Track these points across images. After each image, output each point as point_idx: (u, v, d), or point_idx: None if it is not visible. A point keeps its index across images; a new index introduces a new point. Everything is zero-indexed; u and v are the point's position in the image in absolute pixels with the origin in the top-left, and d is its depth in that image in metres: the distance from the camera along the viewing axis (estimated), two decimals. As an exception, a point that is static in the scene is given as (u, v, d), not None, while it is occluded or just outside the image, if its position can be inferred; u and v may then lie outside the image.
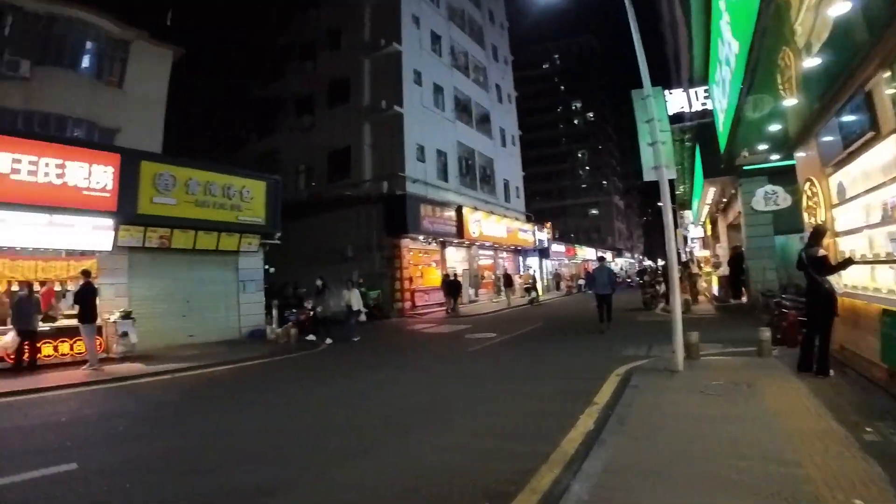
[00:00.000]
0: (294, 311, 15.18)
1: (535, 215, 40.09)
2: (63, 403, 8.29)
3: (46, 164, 11.45)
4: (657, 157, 7.87)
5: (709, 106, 14.04)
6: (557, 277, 41.26)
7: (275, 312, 15.52)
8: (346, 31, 26.49)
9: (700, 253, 29.96)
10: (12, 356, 10.51)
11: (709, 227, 26.24)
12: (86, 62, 17.92)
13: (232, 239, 15.10)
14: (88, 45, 17.90)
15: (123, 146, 15.29)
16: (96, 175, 12.26)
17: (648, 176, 8.07)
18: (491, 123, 33.35)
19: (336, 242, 23.33)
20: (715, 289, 20.60)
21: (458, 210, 25.76)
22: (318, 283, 14.92)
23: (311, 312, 15.05)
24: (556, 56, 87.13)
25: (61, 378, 10.01)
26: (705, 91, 14.52)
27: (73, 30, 17.44)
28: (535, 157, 61.92)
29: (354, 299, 14.56)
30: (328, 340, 14.01)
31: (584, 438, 4.99)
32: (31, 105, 16.31)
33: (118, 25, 18.38)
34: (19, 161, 11.08)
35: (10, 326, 10.55)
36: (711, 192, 18.38)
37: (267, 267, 17.54)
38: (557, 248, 44.07)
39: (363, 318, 15.03)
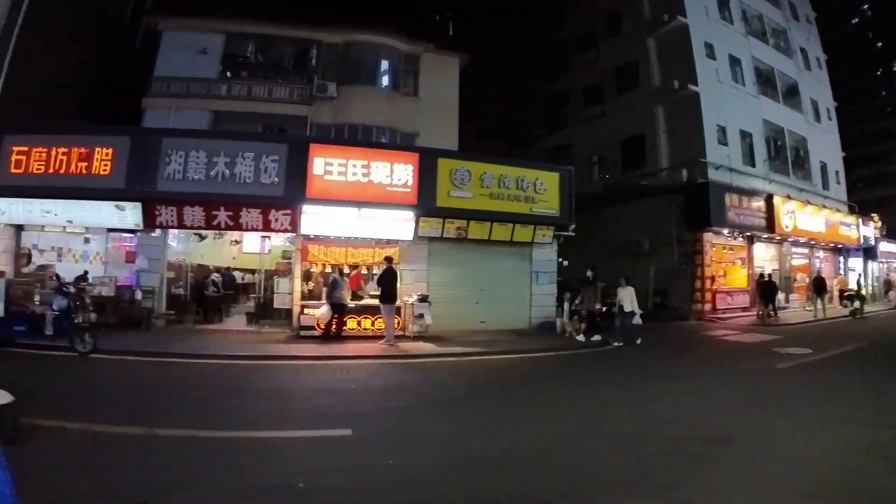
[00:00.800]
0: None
1: (858, 206, 32.18)
2: (355, 372, 9.05)
3: (353, 166, 13.13)
4: None
5: None
6: (888, 285, 32.48)
7: (566, 305, 15.02)
8: (625, 13, 24.99)
9: None
10: (322, 326, 12.48)
11: None
12: (383, 77, 20.39)
13: (526, 230, 15.07)
14: (383, 63, 20.30)
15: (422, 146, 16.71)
16: (398, 173, 13.47)
17: None
18: (800, 95, 27.53)
19: (631, 235, 21.88)
20: None
21: (768, 199, 21.84)
22: (589, 273, 13.90)
23: (604, 308, 14.06)
24: (866, 6, 69.40)
25: (359, 349, 11.13)
26: None
27: (368, 52, 19.93)
28: (852, 136, 49.37)
29: (627, 298, 13.22)
30: (596, 337, 13.40)
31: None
32: (339, 119, 19.08)
33: (407, 42, 20.35)
34: (331, 164, 13.01)
35: (325, 301, 12.63)
36: None
37: (560, 259, 17.27)
38: (887, 247, 34.67)
39: (638, 319, 13.49)
